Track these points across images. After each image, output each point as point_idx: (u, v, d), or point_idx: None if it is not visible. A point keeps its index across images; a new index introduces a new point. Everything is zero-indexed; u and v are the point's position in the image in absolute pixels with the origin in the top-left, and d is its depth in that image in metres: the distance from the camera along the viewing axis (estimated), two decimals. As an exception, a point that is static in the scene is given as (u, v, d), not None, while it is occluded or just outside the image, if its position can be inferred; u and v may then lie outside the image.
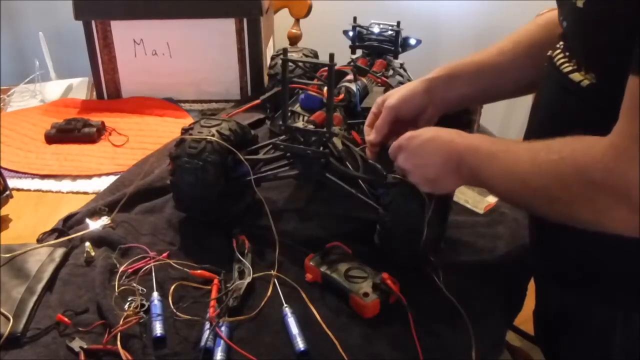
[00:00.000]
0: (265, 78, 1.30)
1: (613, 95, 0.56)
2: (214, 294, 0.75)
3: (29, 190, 1.05)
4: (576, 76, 0.66)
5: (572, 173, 0.58)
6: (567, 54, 0.69)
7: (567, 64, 0.68)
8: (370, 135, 0.83)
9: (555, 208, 0.62)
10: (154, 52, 1.31)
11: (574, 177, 0.58)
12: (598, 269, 0.71)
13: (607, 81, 0.62)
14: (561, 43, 0.71)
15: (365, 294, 0.74)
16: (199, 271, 0.79)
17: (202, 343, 0.68)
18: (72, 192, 1.05)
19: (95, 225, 0.89)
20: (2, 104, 1.36)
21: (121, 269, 0.80)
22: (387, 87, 1.00)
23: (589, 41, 0.65)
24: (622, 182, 0.54)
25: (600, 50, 0.63)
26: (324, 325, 0.71)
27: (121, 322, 0.70)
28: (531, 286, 0.87)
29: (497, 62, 0.85)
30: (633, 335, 0.71)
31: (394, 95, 0.82)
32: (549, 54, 0.72)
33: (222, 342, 0.68)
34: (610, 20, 0.60)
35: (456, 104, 0.86)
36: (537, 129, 0.78)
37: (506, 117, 1.89)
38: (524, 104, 1.68)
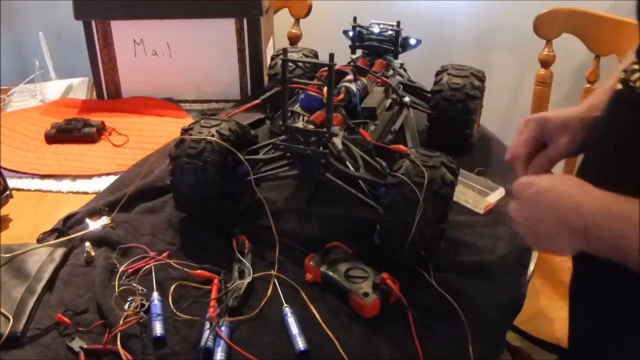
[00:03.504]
0: (265, 78, 1.30)
1: None
2: (214, 294, 0.75)
3: (29, 190, 1.05)
4: None
5: None
6: None
7: None
8: (516, 149, 0.76)
9: None
10: (154, 52, 1.31)
11: None
12: None
13: None
14: (636, 64, 0.65)
15: (365, 294, 0.74)
16: (199, 271, 0.79)
17: (202, 343, 0.68)
18: (72, 192, 1.05)
19: (95, 225, 0.89)
20: (2, 104, 1.36)
21: (121, 269, 0.80)
22: (387, 87, 1.00)
23: None
24: None
25: None
26: (324, 325, 0.71)
27: (121, 322, 0.70)
28: (534, 286, 0.87)
29: None
30: None
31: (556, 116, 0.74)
32: (622, 76, 0.67)
33: (222, 342, 0.68)
34: None
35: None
36: (606, 160, 0.70)
37: (506, 117, 1.89)
38: (524, 104, 1.68)
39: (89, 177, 1.08)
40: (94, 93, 1.38)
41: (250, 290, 0.77)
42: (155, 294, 0.75)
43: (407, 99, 1.04)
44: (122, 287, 0.77)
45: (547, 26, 1.43)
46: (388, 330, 0.72)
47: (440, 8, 1.78)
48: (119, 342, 0.68)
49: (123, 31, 1.28)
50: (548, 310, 1.28)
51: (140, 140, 1.19)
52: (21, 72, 1.52)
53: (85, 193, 1.04)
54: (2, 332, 0.70)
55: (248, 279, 0.77)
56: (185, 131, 0.88)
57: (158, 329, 0.71)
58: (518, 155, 0.76)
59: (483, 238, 0.88)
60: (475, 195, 0.95)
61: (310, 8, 1.64)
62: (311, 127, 0.82)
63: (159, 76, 1.33)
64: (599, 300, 0.75)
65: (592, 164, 0.73)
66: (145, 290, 0.77)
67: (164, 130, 1.23)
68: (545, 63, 1.47)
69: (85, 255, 0.84)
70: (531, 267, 0.85)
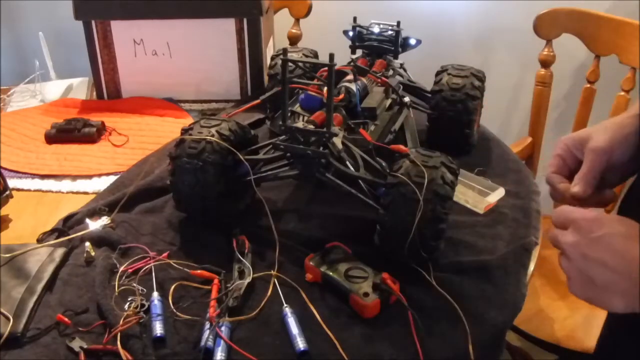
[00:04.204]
0: (265, 78, 1.30)
1: None
2: (214, 294, 0.75)
3: (29, 190, 1.05)
4: None
5: None
6: None
7: None
8: (575, 187, 0.67)
9: None
10: (154, 52, 1.31)
11: None
12: None
13: None
14: None
15: (365, 294, 0.74)
16: (199, 271, 0.79)
17: (202, 343, 0.68)
18: (72, 192, 1.05)
19: (95, 225, 0.89)
20: (2, 104, 1.36)
21: (121, 269, 0.80)
22: (387, 87, 1.00)
23: None
24: None
25: None
26: (324, 325, 0.71)
27: (121, 322, 0.70)
28: (534, 286, 0.87)
29: None
30: None
31: (599, 137, 0.67)
32: None
33: (222, 342, 0.68)
34: None
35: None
36: None
37: (506, 117, 1.89)
38: (524, 104, 1.68)
39: (89, 177, 1.08)
40: (94, 93, 1.38)
41: (250, 290, 0.77)
42: (155, 294, 0.75)
43: (407, 99, 1.04)
44: (122, 287, 0.77)
45: (547, 26, 1.44)
46: (388, 330, 0.72)
47: (440, 8, 1.78)
48: (119, 342, 0.68)
49: (123, 31, 1.28)
50: (548, 310, 1.28)
51: (140, 140, 1.19)
52: (21, 72, 1.52)
53: (85, 193, 1.04)
54: (2, 332, 0.70)
55: (248, 279, 0.77)
56: (185, 131, 0.88)
57: (158, 329, 0.71)
58: (547, 177, 0.72)
59: (483, 238, 0.88)
60: (475, 195, 0.95)
61: (310, 8, 1.64)
62: (311, 127, 0.82)
63: (159, 76, 1.33)
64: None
65: None
66: (145, 290, 0.77)
67: (164, 130, 1.23)
68: (545, 63, 1.47)
69: (85, 255, 0.84)
70: (531, 267, 0.85)
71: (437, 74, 1.07)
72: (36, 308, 0.75)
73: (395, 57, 1.10)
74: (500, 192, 0.96)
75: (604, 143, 0.67)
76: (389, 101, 1.01)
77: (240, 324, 0.73)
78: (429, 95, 1.06)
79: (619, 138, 0.67)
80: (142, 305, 0.74)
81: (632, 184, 0.73)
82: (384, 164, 0.84)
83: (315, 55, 1.18)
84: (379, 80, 1.01)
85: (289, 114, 0.85)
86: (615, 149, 0.66)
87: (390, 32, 1.08)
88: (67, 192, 1.05)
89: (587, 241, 0.58)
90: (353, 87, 0.93)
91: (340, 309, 0.75)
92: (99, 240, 0.87)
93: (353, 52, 1.12)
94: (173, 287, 0.77)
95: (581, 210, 0.61)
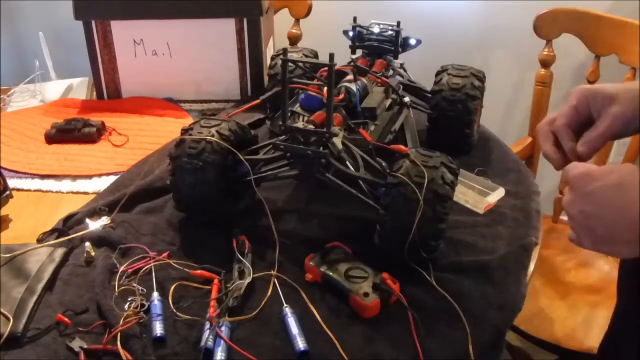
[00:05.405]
0: (265, 78, 1.30)
1: None
2: (214, 294, 0.75)
3: (29, 190, 1.05)
4: None
5: None
6: None
7: None
8: (582, 147, 0.66)
9: None
10: (154, 52, 1.31)
11: None
12: None
13: None
14: None
15: (365, 294, 0.74)
16: (199, 271, 0.79)
17: (202, 343, 0.68)
18: (72, 192, 1.05)
19: (95, 225, 0.89)
20: (2, 104, 1.36)
21: (121, 269, 0.80)
22: (387, 87, 1.00)
23: None
24: None
25: None
26: (324, 325, 0.71)
27: (121, 322, 0.70)
28: (534, 286, 0.87)
29: None
30: None
31: (622, 102, 0.65)
32: None
33: (222, 342, 0.68)
34: None
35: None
36: None
37: (506, 117, 1.89)
38: (524, 104, 1.68)
39: (89, 177, 1.08)
40: (94, 93, 1.38)
41: (250, 290, 0.77)
42: (155, 294, 0.75)
43: (407, 99, 1.04)
44: (122, 287, 0.77)
45: (547, 26, 1.43)
46: (388, 330, 0.72)
47: (440, 8, 1.78)
48: (119, 342, 0.68)
49: (123, 31, 1.28)
50: (548, 310, 1.28)
51: (140, 140, 1.19)
52: (21, 72, 1.52)
53: (85, 193, 1.04)
54: (2, 332, 0.70)
55: (248, 279, 0.77)
56: (185, 131, 0.88)
57: (158, 329, 0.71)
58: (556, 126, 0.69)
59: (483, 238, 0.88)
60: (475, 195, 0.95)
61: (310, 8, 1.64)
62: (311, 127, 0.82)
63: (159, 76, 1.33)
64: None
65: None
66: (145, 290, 0.77)
67: (164, 130, 1.23)
68: (545, 63, 1.47)
69: (85, 255, 0.84)
70: (531, 267, 0.85)
71: (437, 74, 1.07)
72: (36, 308, 0.75)
73: (395, 57, 1.10)
74: (500, 192, 0.96)
75: (628, 110, 0.64)
76: (389, 101, 1.01)
77: (240, 324, 0.73)
78: (429, 95, 1.06)
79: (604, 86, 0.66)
80: (142, 305, 0.74)
81: None
82: (384, 164, 0.84)
83: (315, 55, 1.18)
84: (379, 80, 1.01)
85: (289, 114, 0.85)
86: (636, 117, 0.65)
87: (390, 32, 1.08)
88: (67, 192, 1.05)
89: (581, 197, 0.59)
90: (353, 87, 0.93)
91: (340, 309, 0.75)
92: (99, 240, 0.87)
93: (353, 52, 1.12)
94: (173, 287, 0.77)
95: (573, 166, 0.61)
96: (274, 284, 0.78)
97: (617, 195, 0.56)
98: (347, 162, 0.83)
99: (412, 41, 1.08)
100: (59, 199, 1.03)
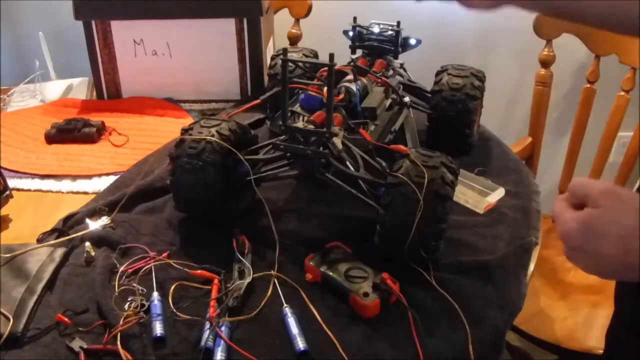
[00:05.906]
0: (265, 78, 1.30)
1: None
2: (214, 294, 0.75)
3: (29, 190, 1.05)
4: None
5: None
6: None
7: None
8: None
9: None
10: (154, 52, 1.31)
11: None
12: None
13: None
14: None
15: (365, 294, 0.74)
16: (199, 271, 0.79)
17: (202, 343, 0.68)
18: (72, 192, 1.05)
19: (95, 225, 0.89)
20: (2, 104, 1.36)
21: (121, 269, 0.80)
22: (387, 87, 1.00)
23: None
24: None
25: None
26: (324, 325, 0.71)
27: (121, 322, 0.70)
28: (534, 286, 0.87)
29: None
30: None
31: None
32: None
33: (222, 342, 0.68)
34: None
35: None
36: None
37: (506, 117, 1.89)
38: (524, 104, 1.68)
39: (89, 177, 1.08)
40: (94, 93, 1.38)
41: (250, 290, 0.77)
42: (155, 294, 0.75)
43: (407, 99, 1.04)
44: (122, 287, 0.77)
45: (547, 26, 1.44)
46: (388, 330, 0.72)
47: (440, 8, 1.77)
48: (119, 342, 0.68)
49: (123, 31, 1.28)
50: (548, 310, 1.28)
51: (140, 140, 1.19)
52: (21, 72, 1.52)
53: (85, 193, 1.04)
54: (2, 332, 0.70)
55: (248, 279, 0.77)
56: (185, 131, 0.88)
57: (158, 329, 0.71)
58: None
59: (483, 238, 0.88)
60: (475, 195, 0.95)
61: (310, 8, 1.64)
62: (311, 127, 0.82)
63: (159, 76, 1.33)
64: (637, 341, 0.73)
65: None
66: (145, 290, 0.77)
67: (164, 130, 1.23)
68: (545, 63, 1.47)
69: (85, 255, 0.84)
70: (531, 267, 0.85)
71: (437, 74, 1.07)
72: (36, 308, 0.75)
73: (395, 57, 1.10)
74: (500, 192, 0.96)
75: None
76: (389, 101, 1.01)
77: (240, 324, 0.73)
78: (429, 95, 1.06)
79: None
80: (142, 305, 0.74)
81: None
82: (384, 164, 0.84)
83: (315, 55, 1.18)
84: (379, 80, 1.01)
85: (289, 114, 0.85)
86: None
87: (390, 32, 1.08)
88: (67, 192, 1.05)
89: (584, 228, 0.55)
90: (353, 87, 0.93)
91: (340, 309, 0.75)
92: (99, 240, 0.87)
93: (353, 52, 1.12)
94: (173, 287, 0.77)
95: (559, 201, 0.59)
96: (274, 284, 0.78)
97: (611, 230, 0.53)
98: (347, 162, 0.83)
99: (412, 41, 1.08)
100: (59, 199, 1.03)
